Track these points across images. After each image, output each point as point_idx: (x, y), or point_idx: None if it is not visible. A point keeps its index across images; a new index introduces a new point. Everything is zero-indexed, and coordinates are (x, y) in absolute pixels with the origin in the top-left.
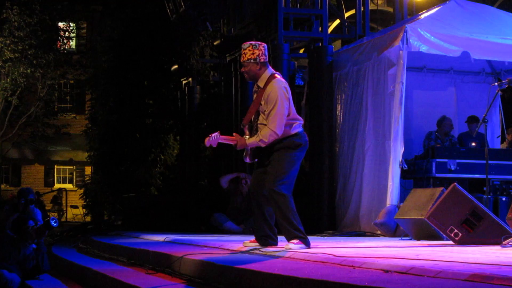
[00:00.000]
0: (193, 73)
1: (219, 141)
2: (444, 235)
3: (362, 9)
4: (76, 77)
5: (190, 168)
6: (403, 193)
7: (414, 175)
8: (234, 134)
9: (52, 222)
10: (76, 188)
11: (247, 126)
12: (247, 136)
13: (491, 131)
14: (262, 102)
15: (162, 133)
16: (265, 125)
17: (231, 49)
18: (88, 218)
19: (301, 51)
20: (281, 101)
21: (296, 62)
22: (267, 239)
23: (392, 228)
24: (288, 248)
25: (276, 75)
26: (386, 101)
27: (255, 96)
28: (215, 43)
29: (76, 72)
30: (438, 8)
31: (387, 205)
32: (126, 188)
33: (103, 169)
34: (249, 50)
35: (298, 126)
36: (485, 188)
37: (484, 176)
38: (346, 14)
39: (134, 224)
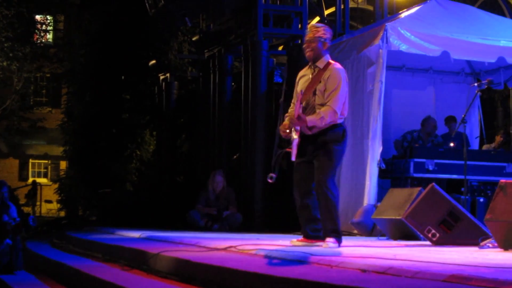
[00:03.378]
0: (171, 69)
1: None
2: (421, 235)
3: (342, 7)
4: (52, 70)
5: (166, 164)
6: (381, 193)
7: (392, 174)
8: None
9: (31, 221)
10: (51, 182)
11: (302, 105)
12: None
13: (469, 132)
14: (322, 81)
15: (139, 128)
16: (323, 105)
17: (210, 45)
18: (62, 213)
19: (280, 48)
20: (343, 84)
21: (275, 59)
22: (319, 235)
23: (369, 228)
24: (327, 246)
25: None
26: (365, 100)
27: (309, 76)
28: (193, 39)
29: (53, 65)
30: (419, 7)
31: (364, 205)
32: (101, 183)
33: (79, 164)
34: (322, 30)
35: (343, 118)
36: (463, 189)
37: (462, 177)
38: (326, 12)
39: (109, 220)
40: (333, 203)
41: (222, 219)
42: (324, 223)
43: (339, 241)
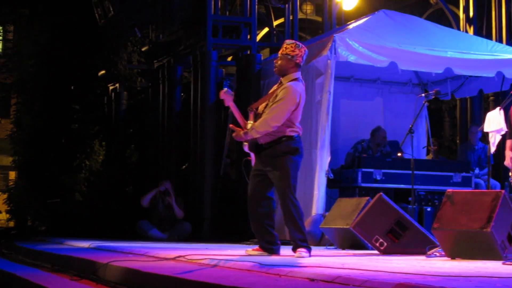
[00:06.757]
0: (120, 79)
1: (233, 111)
2: (369, 245)
3: (291, 17)
4: (1, 80)
5: (115, 174)
6: (329, 202)
7: (340, 184)
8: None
9: None
10: (0, 192)
11: (253, 112)
12: (251, 121)
13: (417, 142)
14: (277, 96)
15: (88, 138)
16: None
17: (159, 55)
18: (11, 223)
19: (230, 58)
20: (288, 101)
21: (224, 69)
22: (272, 247)
23: (317, 237)
24: (299, 256)
25: (298, 80)
26: (313, 110)
27: (273, 89)
28: (143, 49)
29: (2, 75)
30: (367, 18)
31: (313, 214)
32: (50, 194)
33: (28, 174)
34: (291, 46)
35: (296, 132)
36: (410, 198)
37: (409, 186)
38: (275, 23)
39: (58, 230)
40: (299, 213)
41: (174, 222)
42: (292, 234)
43: (309, 250)
